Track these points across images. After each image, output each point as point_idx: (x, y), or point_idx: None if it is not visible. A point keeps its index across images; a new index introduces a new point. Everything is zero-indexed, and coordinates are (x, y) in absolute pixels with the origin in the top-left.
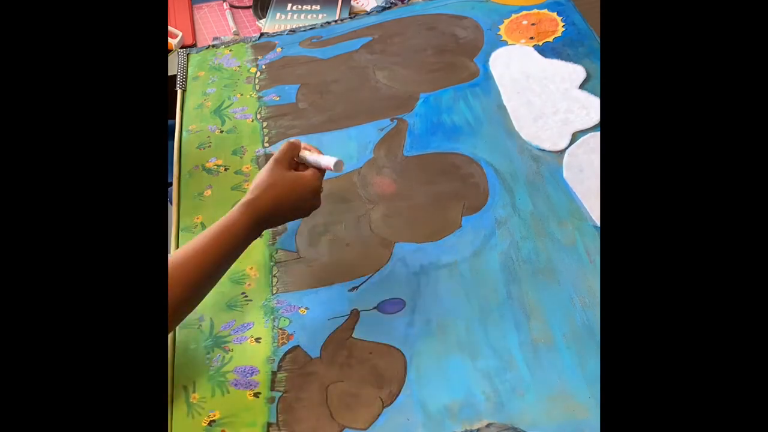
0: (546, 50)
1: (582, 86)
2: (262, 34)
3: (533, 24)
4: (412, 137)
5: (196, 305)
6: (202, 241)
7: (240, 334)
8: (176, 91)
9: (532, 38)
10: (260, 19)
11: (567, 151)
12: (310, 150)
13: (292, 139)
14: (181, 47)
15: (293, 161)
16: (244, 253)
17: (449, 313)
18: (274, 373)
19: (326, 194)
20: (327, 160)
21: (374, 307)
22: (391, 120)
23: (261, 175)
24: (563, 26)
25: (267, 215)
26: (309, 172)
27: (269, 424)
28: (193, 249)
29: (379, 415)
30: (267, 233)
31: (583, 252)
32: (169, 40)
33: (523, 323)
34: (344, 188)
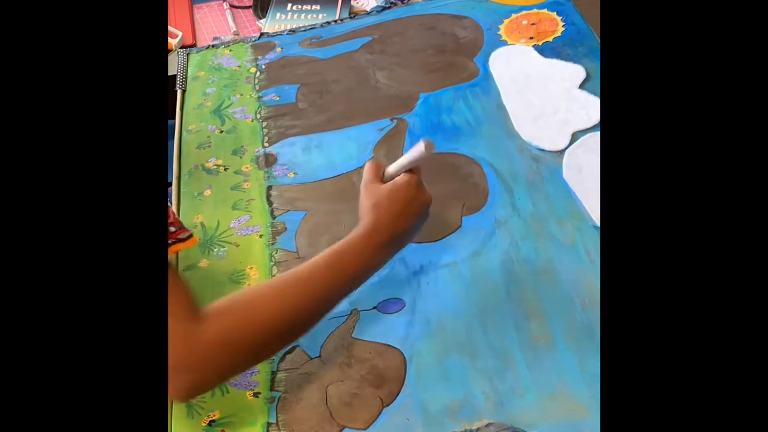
0: (546, 50)
1: (582, 86)
2: (262, 34)
3: (533, 24)
4: (412, 137)
5: (300, 335)
6: (320, 262)
7: None
8: (176, 91)
9: (531, 38)
10: (260, 19)
11: (567, 151)
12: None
13: (374, 160)
14: (181, 47)
15: (380, 178)
16: (244, 253)
17: (449, 313)
18: (273, 373)
19: (326, 194)
20: (413, 153)
21: (374, 307)
22: (391, 120)
23: (364, 201)
24: (563, 26)
25: (386, 232)
26: (401, 177)
27: (269, 424)
28: (308, 269)
29: (378, 414)
30: (267, 233)
31: (582, 252)
32: (169, 40)
33: (523, 323)
34: (344, 188)
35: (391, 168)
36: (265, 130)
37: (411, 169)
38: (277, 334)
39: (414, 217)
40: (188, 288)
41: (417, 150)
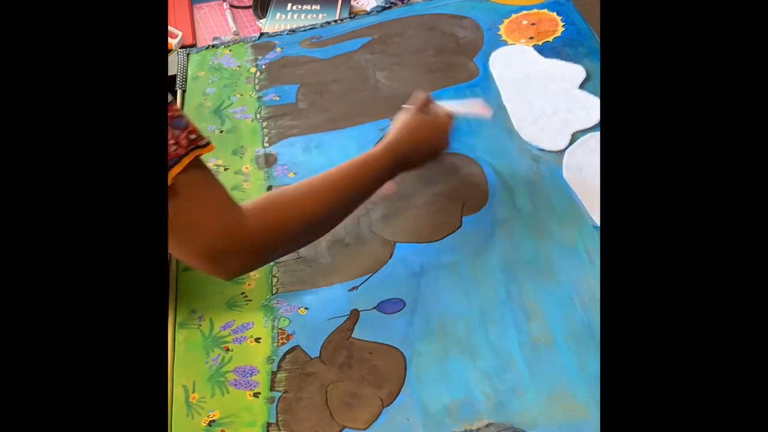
0: (546, 50)
1: (582, 86)
2: (262, 34)
3: (533, 24)
4: None
5: (321, 233)
6: (341, 170)
7: (240, 334)
8: (176, 91)
9: (531, 38)
10: (260, 19)
11: (567, 151)
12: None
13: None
14: (181, 47)
15: (426, 109)
16: None
17: (449, 313)
18: (273, 373)
19: None
20: (471, 107)
21: (374, 307)
22: (391, 120)
23: (400, 120)
24: (563, 26)
25: (405, 154)
26: (442, 114)
27: (269, 424)
28: (331, 175)
29: (378, 414)
30: None
31: (582, 252)
32: (169, 40)
33: (523, 323)
34: None
35: (440, 105)
36: (265, 131)
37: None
38: (307, 229)
39: (429, 152)
40: (223, 185)
41: (477, 107)
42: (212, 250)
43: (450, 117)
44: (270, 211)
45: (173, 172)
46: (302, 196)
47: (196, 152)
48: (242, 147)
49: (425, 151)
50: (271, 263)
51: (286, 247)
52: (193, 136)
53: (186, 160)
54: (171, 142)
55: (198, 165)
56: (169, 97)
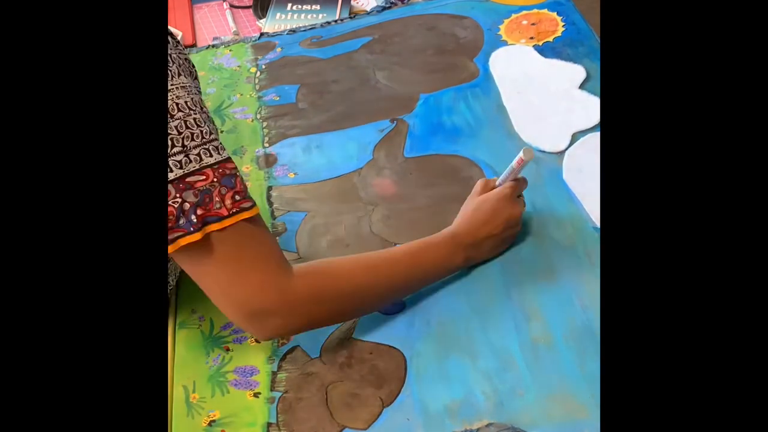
0: (546, 50)
1: (582, 86)
2: (262, 34)
3: (533, 24)
4: (412, 138)
5: (369, 310)
6: (401, 250)
7: (240, 334)
8: None
9: (532, 38)
10: (260, 18)
11: (567, 152)
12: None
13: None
14: None
15: (486, 192)
16: None
17: (449, 313)
18: (274, 373)
19: (327, 195)
20: (514, 163)
21: None
22: (391, 121)
23: (462, 207)
24: (563, 26)
25: (467, 236)
26: (496, 188)
27: (269, 424)
28: (389, 253)
29: (379, 415)
30: None
31: (582, 253)
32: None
33: (523, 323)
34: (344, 189)
35: (501, 178)
36: (266, 131)
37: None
38: (355, 303)
39: (498, 227)
40: (276, 242)
41: (517, 158)
42: (252, 304)
43: (502, 189)
44: (320, 276)
45: (211, 228)
46: (356, 268)
47: (241, 216)
48: (242, 147)
49: (495, 229)
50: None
51: (330, 318)
52: (237, 198)
53: (227, 222)
54: (216, 199)
55: (246, 223)
56: (226, 154)
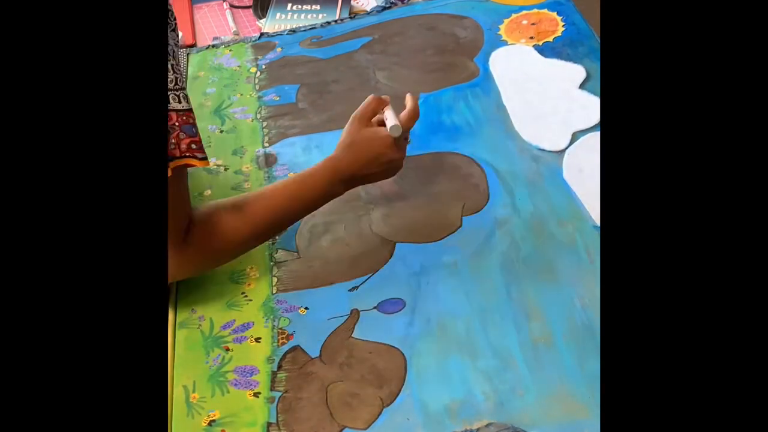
0: (546, 50)
1: (582, 86)
2: (262, 34)
3: (533, 24)
4: (412, 137)
5: (255, 245)
6: (279, 187)
7: (240, 333)
8: None
9: (532, 38)
10: (260, 18)
11: (567, 151)
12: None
13: (378, 97)
14: (181, 47)
15: (371, 117)
16: (244, 254)
17: (449, 313)
18: (273, 373)
19: None
20: (389, 123)
21: (374, 307)
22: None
23: (342, 134)
24: (563, 26)
25: (347, 171)
26: (385, 129)
27: (269, 424)
28: (269, 191)
29: (378, 414)
30: None
31: (582, 252)
32: None
33: (523, 323)
34: None
35: (387, 112)
36: (266, 130)
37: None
38: (246, 247)
39: (379, 167)
40: (184, 212)
41: (388, 125)
42: None
43: (389, 132)
44: (208, 238)
45: None
46: (242, 222)
47: (189, 161)
48: (242, 147)
49: (369, 166)
50: (271, 263)
51: (225, 259)
52: (194, 146)
53: (173, 164)
54: (172, 141)
55: (179, 173)
56: (189, 104)
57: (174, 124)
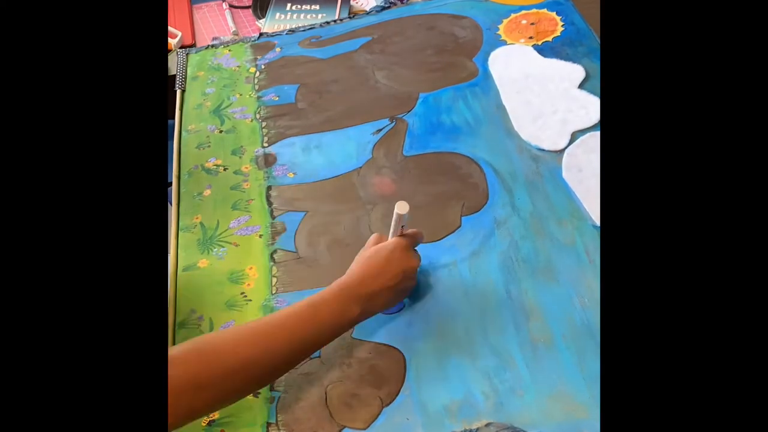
0: (545, 50)
1: (581, 86)
2: (261, 34)
3: (532, 23)
4: (412, 137)
5: (263, 385)
6: (286, 314)
7: None
8: (175, 91)
9: (531, 38)
10: (259, 19)
11: (566, 150)
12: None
13: (379, 235)
14: (181, 47)
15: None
16: (243, 253)
17: (449, 313)
18: None
19: (326, 195)
20: (395, 217)
21: None
22: (390, 120)
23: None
24: (562, 26)
25: (358, 287)
26: (390, 239)
27: (268, 424)
28: (273, 319)
29: (378, 414)
30: (266, 233)
31: (582, 252)
32: (169, 40)
33: (523, 323)
34: (344, 188)
35: (389, 235)
36: (265, 130)
37: (405, 234)
38: (246, 378)
39: (394, 278)
40: None
41: (395, 213)
42: None
43: (396, 240)
44: (198, 357)
45: None
46: (241, 339)
47: None
48: (242, 147)
49: (389, 281)
50: (271, 263)
51: (217, 402)
52: None
53: None
54: None
55: None
56: None
57: None
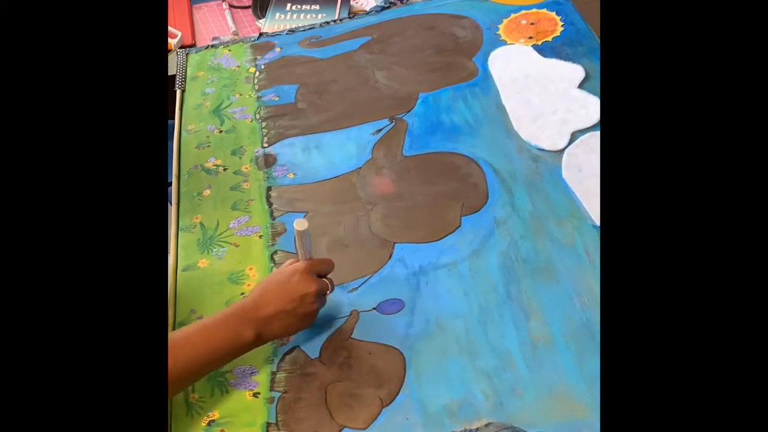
0: (545, 50)
1: (581, 86)
2: (261, 34)
3: (532, 23)
4: (411, 137)
5: (176, 393)
6: (181, 334)
7: None
8: (175, 91)
9: (531, 38)
10: (259, 19)
11: (566, 150)
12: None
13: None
14: (181, 47)
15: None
16: (243, 254)
17: (448, 313)
18: (273, 374)
19: (326, 195)
20: (296, 236)
21: (374, 308)
22: (390, 120)
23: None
24: (562, 26)
25: (252, 310)
26: (289, 261)
27: (268, 424)
28: (180, 336)
29: (378, 414)
30: (266, 234)
31: (582, 251)
32: (169, 40)
33: (523, 323)
34: (344, 189)
35: (299, 256)
36: (265, 131)
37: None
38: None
39: (291, 302)
40: None
41: (295, 231)
42: None
43: (295, 264)
44: None
45: None
46: None
47: None
48: (241, 147)
49: (284, 304)
50: (271, 264)
51: None
52: None
53: None
54: None
55: None
56: None
57: None
